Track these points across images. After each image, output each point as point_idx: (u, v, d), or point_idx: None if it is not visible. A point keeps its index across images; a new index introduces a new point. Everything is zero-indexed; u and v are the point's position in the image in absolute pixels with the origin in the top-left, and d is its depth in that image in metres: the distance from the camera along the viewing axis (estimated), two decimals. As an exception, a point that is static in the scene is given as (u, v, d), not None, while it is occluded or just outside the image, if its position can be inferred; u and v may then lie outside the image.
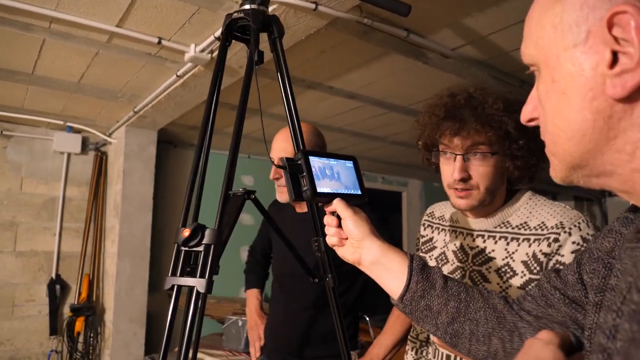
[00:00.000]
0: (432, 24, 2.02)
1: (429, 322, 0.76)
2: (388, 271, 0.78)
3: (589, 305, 0.60)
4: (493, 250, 1.10)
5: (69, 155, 3.56)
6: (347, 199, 0.85)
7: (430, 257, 1.27)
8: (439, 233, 1.28)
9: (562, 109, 0.46)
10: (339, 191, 0.84)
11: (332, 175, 0.84)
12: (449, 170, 1.09)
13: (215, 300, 3.43)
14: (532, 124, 0.52)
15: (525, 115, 0.53)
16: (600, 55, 0.42)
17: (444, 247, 1.23)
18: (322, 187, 0.82)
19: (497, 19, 1.93)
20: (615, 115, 0.42)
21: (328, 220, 0.86)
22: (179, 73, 2.39)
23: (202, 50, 2.12)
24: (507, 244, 1.08)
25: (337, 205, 0.82)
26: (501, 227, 1.11)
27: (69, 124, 3.41)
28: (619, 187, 0.46)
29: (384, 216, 6.60)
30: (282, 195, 1.53)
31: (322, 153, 0.86)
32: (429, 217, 1.35)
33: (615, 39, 0.40)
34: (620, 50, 0.40)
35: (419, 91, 2.85)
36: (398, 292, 0.77)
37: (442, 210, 1.32)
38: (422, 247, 1.31)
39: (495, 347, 0.72)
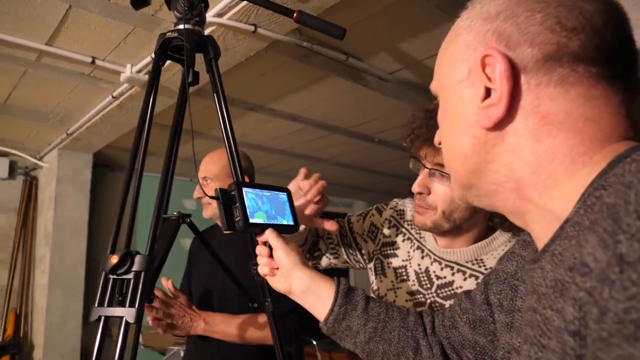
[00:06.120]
0: (369, 48, 2.07)
1: (348, 341, 0.82)
2: (317, 298, 0.83)
3: (500, 326, 0.65)
4: (461, 287, 1.00)
5: (-6, 180, 3.33)
6: (280, 229, 0.87)
7: (388, 264, 1.12)
8: (403, 241, 1.12)
9: (450, 134, 0.53)
10: (271, 222, 0.86)
11: (265, 207, 0.86)
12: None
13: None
14: (440, 146, 0.58)
15: (437, 137, 0.59)
16: (477, 90, 0.47)
17: (406, 261, 1.10)
18: (255, 217, 0.83)
19: (430, 44, 2.02)
20: (489, 141, 0.47)
21: (260, 250, 0.87)
22: (114, 94, 2.31)
23: (139, 71, 2.06)
24: (477, 284, 0.94)
25: (269, 235, 0.84)
26: (473, 264, 1.01)
27: (-6, 147, 3.21)
28: (502, 207, 0.51)
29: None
30: (207, 210, 1.58)
31: (256, 184, 0.87)
32: (398, 215, 1.16)
33: (488, 77, 0.46)
34: (490, 86, 0.46)
35: (360, 113, 2.91)
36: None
37: (412, 213, 1.14)
38: (382, 249, 1.15)
39: None
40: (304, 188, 1.00)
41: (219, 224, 1.64)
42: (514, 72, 0.45)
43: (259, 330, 1.45)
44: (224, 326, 1.46)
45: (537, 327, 0.44)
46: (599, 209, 0.37)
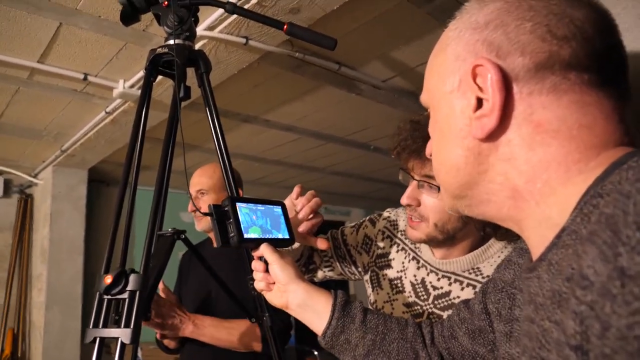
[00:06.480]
0: (362, 56, 2.08)
1: (347, 355, 0.81)
2: (314, 312, 0.81)
3: (499, 335, 0.64)
4: (458, 297, 0.99)
5: (-12, 199, 3.31)
6: (275, 243, 0.86)
7: (383, 276, 1.11)
8: (397, 251, 1.12)
9: (441, 145, 0.52)
10: (266, 236, 0.85)
11: (259, 221, 0.85)
12: None
13: (156, 345, 3.25)
14: (431, 157, 0.57)
15: (428, 149, 0.58)
16: (468, 101, 0.47)
17: (401, 272, 1.09)
18: (249, 232, 0.82)
19: (422, 51, 2.02)
20: (483, 152, 0.47)
21: (255, 265, 0.86)
22: (108, 109, 2.31)
23: (132, 86, 2.06)
24: (475, 293, 0.94)
25: (264, 250, 0.83)
26: (470, 273, 1.00)
27: (-12, 166, 3.19)
28: (496, 215, 0.50)
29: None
30: (200, 224, 1.58)
31: (250, 199, 0.87)
32: (391, 226, 1.15)
33: (479, 87, 0.45)
34: (482, 97, 0.45)
35: (354, 122, 2.91)
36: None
37: (405, 223, 1.13)
38: (377, 261, 1.14)
39: None
40: (297, 206, 0.98)
41: (212, 237, 1.63)
42: (506, 82, 0.44)
43: (247, 336, 1.44)
44: (212, 329, 1.44)
45: (536, 339, 0.43)
46: (597, 219, 0.36)
